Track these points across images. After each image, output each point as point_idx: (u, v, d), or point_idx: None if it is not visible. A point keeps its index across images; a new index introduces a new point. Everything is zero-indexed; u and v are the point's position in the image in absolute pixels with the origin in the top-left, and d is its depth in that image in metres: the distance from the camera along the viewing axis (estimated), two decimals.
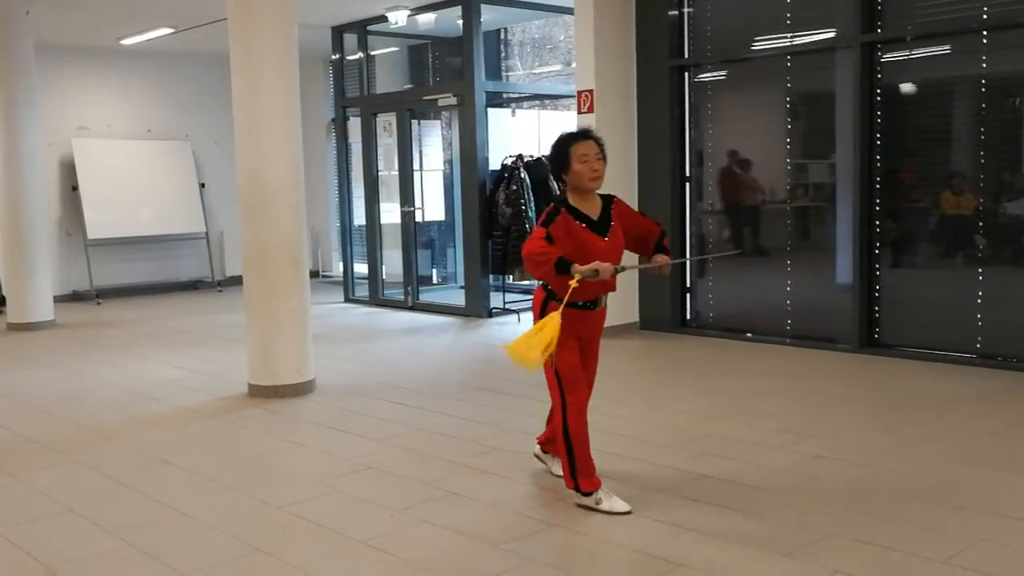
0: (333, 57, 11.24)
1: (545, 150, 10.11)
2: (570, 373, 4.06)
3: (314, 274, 12.95)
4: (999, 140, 6.72)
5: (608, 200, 4.21)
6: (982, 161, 6.75)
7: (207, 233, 12.76)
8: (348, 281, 11.43)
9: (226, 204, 12.06)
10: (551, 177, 9.59)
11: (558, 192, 9.42)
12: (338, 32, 10.99)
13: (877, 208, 7.21)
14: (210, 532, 4.02)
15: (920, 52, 6.99)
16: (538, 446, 4.65)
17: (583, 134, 4.15)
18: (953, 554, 3.53)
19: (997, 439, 5.01)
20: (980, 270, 6.81)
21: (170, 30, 10.54)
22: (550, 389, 4.15)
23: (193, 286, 12.98)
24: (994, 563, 3.45)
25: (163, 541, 3.94)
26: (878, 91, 7.12)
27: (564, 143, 4.12)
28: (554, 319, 3.89)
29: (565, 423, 4.06)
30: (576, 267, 3.84)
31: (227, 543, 3.89)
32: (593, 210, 4.12)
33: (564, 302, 3.90)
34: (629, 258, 4.37)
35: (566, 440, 4.07)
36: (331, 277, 13.43)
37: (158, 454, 5.20)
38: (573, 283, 3.82)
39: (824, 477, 4.48)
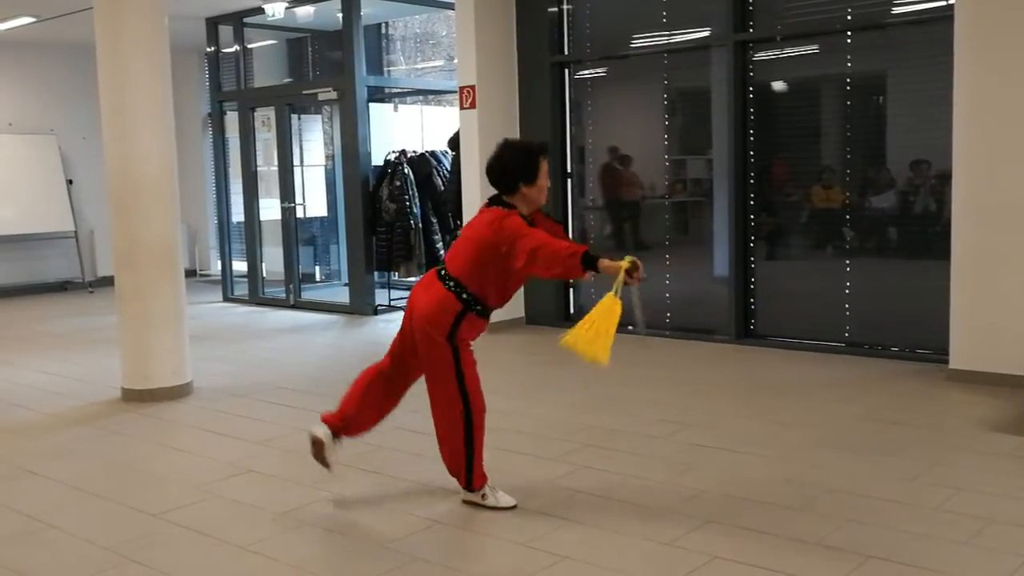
0: (208, 50, 10.93)
1: (429, 145, 10.14)
2: (474, 382, 4.01)
3: (191, 273, 12.57)
4: (864, 136, 7.01)
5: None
6: (848, 156, 7.03)
7: (76, 232, 12.22)
8: (227, 280, 11.13)
9: (96, 201, 11.56)
10: (435, 173, 9.72)
11: (441, 189, 9.54)
12: (213, 24, 10.68)
13: (752, 202, 7.43)
14: (80, 544, 3.85)
15: (790, 51, 7.23)
16: (326, 427, 4.08)
17: (547, 147, 3.99)
18: (825, 535, 3.66)
19: (863, 423, 5.23)
20: (848, 262, 7.10)
21: (32, 19, 10.05)
22: (450, 400, 3.96)
23: (62, 287, 12.42)
24: (864, 541, 3.59)
25: (29, 556, 3.75)
26: (751, 89, 7.34)
27: (536, 153, 3.88)
28: (609, 307, 3.77)
29: (471, 430, 3.98)
30: (604, 261, 3.66)
31: (98, 555, 3.73)
32: None
33: (617, 293, 3.71)
34: None
35: (469, 446, 4.00)
36: (209, 276, 13.05)
37: (23, 464, 4.96)
38: (625, 263, 3.64)
39: (702, 465, 4.59)
